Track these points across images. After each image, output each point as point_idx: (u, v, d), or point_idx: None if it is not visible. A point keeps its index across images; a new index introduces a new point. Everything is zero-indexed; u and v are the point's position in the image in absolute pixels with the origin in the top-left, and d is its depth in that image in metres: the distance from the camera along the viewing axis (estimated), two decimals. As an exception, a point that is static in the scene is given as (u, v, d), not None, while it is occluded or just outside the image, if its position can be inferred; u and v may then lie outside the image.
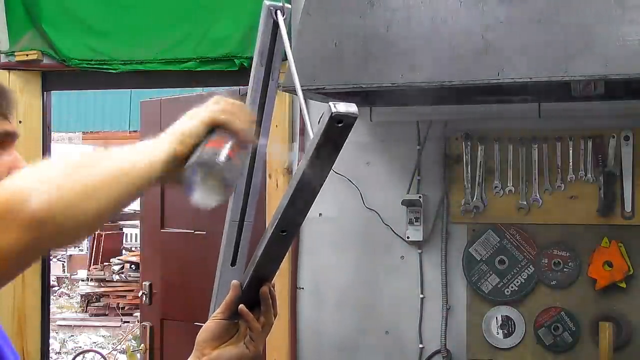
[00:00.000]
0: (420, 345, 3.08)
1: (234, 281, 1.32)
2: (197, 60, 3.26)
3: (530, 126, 2.93)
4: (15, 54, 3.40)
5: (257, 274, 1.27)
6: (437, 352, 3.06)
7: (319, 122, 1.09)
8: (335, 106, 1.07)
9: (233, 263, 1.42)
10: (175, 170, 1.15)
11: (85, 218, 1.05)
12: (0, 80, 3.51)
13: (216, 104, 1.22)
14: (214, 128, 1.18)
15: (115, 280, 11.01)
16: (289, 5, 1.39)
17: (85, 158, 1.10)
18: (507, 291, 2.98)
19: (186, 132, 1.18)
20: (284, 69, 2.81)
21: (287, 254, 1.29)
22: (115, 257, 11.71)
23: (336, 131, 1.10)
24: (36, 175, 1.04)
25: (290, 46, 1.36)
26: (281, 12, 1.36)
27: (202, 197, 1.15)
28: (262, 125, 1.36)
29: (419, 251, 3.09)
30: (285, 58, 1.39)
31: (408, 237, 3.07)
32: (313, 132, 1.15)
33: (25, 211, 1.00)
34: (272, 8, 1.35)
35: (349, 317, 3.17)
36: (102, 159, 1.09)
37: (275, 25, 1.37)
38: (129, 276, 10.76)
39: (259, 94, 1.36)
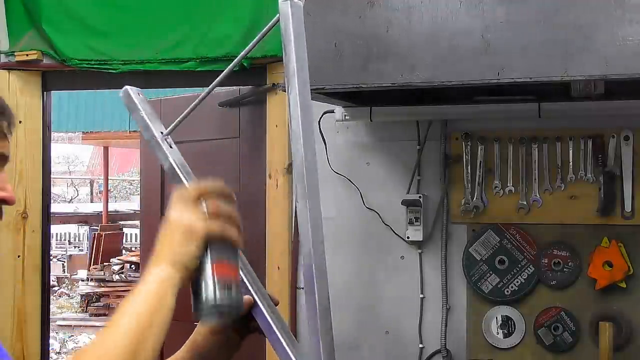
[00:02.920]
0: (420, 345, 3.08)
1: (247, 297, 1.30)
2: (197, 60, 3.26)
3: (530, 126, 2.93)
4: (15, 54, 3.40)
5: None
6: (437, 352, 3.06)
7: None
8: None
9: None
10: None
11: None
12: (2, 95, 3.52)
13: (196, 204, 1.19)
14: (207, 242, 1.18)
15: (115, 280, 11.02)
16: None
17: (107, 343, 1.13)
18: (507, 291, 2.98)
19: (187, 260, 1.17)
20: (283, 69, 2.82)
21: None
22: (115, 257, 11.71)
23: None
24: None
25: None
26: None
27: (212, 321, 1.22)
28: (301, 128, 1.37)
29: (419, 251, 3.09)
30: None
31: (408, 237, 3.07)
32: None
33: None
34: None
35: (349, 317, 3.17)
36: (121, 336, 1.12)
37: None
38: (129, 276, 10.77)
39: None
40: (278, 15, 1.28)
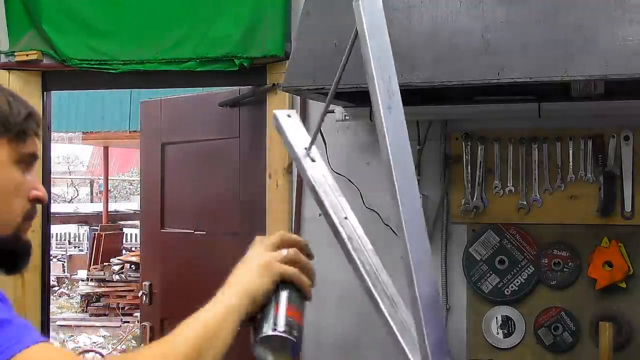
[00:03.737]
0: (420, 345, 3.08)
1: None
2: (197, 60, 3.26)
3: (530, 126, 2.93)
4: (15, 54, 3.40)
5: None
6: (437, 352, 3.06)
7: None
8: None
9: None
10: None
11: None
12: (14, 90, 3.52)
13: (275, 249, 1.27)
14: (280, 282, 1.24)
15: (115, 280, 11.02)
16: None
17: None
18: (507, 291, 2.98)
19: (257, 293, 1.23)
20: (283, 69, 2.82)
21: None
22: (115, 257, 11.71)
23: None
24: None
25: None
26: None
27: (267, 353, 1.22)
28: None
29: (419, 251, 3.09)
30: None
31: (408, 237, 3.07)
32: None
33: None
34: None
35: (349, 316, 3.17)
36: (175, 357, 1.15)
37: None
38: (129, 276, 10.77)
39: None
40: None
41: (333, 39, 2.43)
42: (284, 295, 1.23)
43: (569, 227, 2.93)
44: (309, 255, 1.32)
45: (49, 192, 3.63)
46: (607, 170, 2.85)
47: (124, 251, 12.92)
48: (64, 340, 9.96)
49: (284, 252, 1.28)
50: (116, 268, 11.20)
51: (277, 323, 1.20)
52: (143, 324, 4.05)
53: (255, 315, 1.23)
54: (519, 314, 2.98)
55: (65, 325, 10.58)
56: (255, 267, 1.25)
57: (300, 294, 1.26)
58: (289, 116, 1.40)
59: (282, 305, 1.22)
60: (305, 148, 1.39)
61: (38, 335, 1.14)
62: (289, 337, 1.20)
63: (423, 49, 2.38)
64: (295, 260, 1.28)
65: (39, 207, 3.79)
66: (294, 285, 1.25)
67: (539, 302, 2.96)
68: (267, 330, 1.20)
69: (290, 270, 1.26)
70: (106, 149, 15.91)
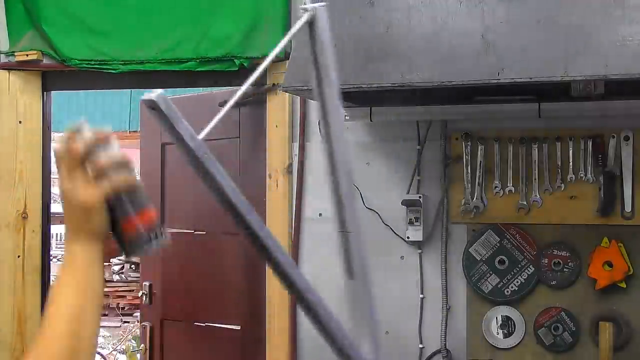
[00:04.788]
0: (420, 345, 3.08)
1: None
2: (197, 60, 3.26)
3: (530, 126, 2.93)
4: (15, 54, 3.40)
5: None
6: (437, 352, 3.06)
7: None
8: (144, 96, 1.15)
9: (350, 276, 1.38)
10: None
11: None
12: (1, 95, 3.52)
13: (71, 167, 1.12)
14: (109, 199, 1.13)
15: (115, 280, 11.02)
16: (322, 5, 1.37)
17: (47, 338, 1.11)
18: (507, 291, 2.98)
19: (98, 232, 1.14)
20: (283, 69, 2.81)
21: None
22: (115, 257, 11.70)
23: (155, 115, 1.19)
24: None
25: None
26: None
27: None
28: (331, 129, 1.33)
29: (419, 251, 3.09)
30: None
31: (408, 237, 3.07)
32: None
33: None
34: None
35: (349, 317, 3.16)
36: (82, 329, 1.11)
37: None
38: (129, 276, 10.77)
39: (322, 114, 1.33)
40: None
41: (333, 39, 2.43)
42: (123, 209, 1.13)
43: (569, 227, 2.93)
44: (105, 140, 1.15)
45: (49, 192, 3.64)
46: (607, 170, 2.85)
47: (124, 251, 12.90)
48: (64, 340, 9.95)
49: (90, 168, 1.12)
50: (116, 268, 11.20)
51: (135, 246, 1.14)
52: (143, 324, 4.05)
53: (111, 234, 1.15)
54: (519, 314, 2.98)
55: (65, 325, 10.56)
56: (79, 210, 1.12)
57: (133, 190, 1.14)
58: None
59: (123, 221, 1.14)
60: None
61: None
62: (153, 245, 1.14)
63: (423, 49, 2.38)
64: (104, 170, 1.12)
65: (38, 207, 3.76)
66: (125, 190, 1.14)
67: (539, 302, 2.96)
68: (138, 250, 1.14)
69: (109, 186, 1.12)
70: (106, 149, 15.90)
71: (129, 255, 1.16)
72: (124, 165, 1.14)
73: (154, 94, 1.17)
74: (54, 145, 1.17)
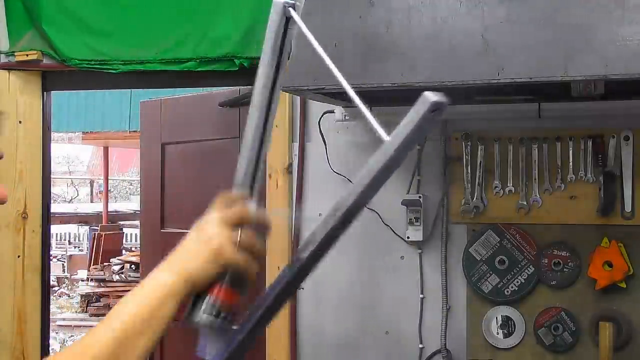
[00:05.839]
0: (420, 345, 3.08)
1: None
2: (197, 60, 3.26)
3: (530, 126, 2.93)
4: (15, 54, 3.39)
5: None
6: (437, 352, 3.06)
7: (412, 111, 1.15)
8: (430, 96, 1.12)
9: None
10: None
11: None
12: (2, 95, 3.52)
13: (231, 229, 1.15)
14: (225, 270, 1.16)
15: (115, 280, 11.02)
16: (300, 2, 1.38)
17: (110, 350, 1.09)
18: (507, 291, 2.98)
19: (197, 282, 1.14)
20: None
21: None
22: (115, 257, 11.71)
23: (429, 118, 1.13)
24: None
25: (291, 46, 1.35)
26: (293, 8, 1.34)
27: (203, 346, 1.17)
28: (265, 128, 1.34)
29: (419, 251, 3.09)
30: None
31: (408, 237, 3.07)
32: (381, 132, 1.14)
33: None
34: (286, 5, 1.33)
35: (349, 317, 3.17)
36: (128, 347, 1.09)
37: (286, 23, 1.34)
38: (129, 276, 10.77)
39: (267, 96, 1.33)
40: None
41: (333, 39, 2.43)
42: (226, 282, 1.16)
43: (569, 227, 2.93)
44: (266, 230, 1.20)
45: (49, 192, 3.64)
46: (607, 170, 2.85)
47: (124, 251, 12.91)
48: (64, 340, 9.96)
49: (242, 236, 1.16)
50: (116, 268, 11.20)
51: (206, 309, 1.15)
52: (143, 324, 4.04)
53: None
54: (519, 314, 2.98)
55: (65, 325, 10.58)
56: (206, 250, 1.14)
57: (243, 278, 1.18)
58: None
59: (220, 290, 1.16)
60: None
61: None
62: (213, 323, 1.15)
63: (423, 49, 2.38)
64: (250, 248, 1.17)
65: (38, 207, 3.77)
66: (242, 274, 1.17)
67: (539, 302, 2.96)
68: (199, 315, 1.15)
69: (241, 260, 1.15)
70: (106, 149, 15.92)
71: (189, 319, 1.16)
72: (259, 257, 1.18)
73: (436, 96, 1.13)
74: (229, 197, 1.21)
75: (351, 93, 1.24)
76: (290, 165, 3.21)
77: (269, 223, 1.21)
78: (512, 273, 2.98)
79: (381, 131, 1.18)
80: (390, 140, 1.17)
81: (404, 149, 1.16)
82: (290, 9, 1.32)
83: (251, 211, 1.19)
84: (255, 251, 1.17)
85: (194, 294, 1.16)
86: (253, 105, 1.27)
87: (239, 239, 1.16)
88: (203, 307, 1.15)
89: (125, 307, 1.13)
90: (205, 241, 1.15)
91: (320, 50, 1.30)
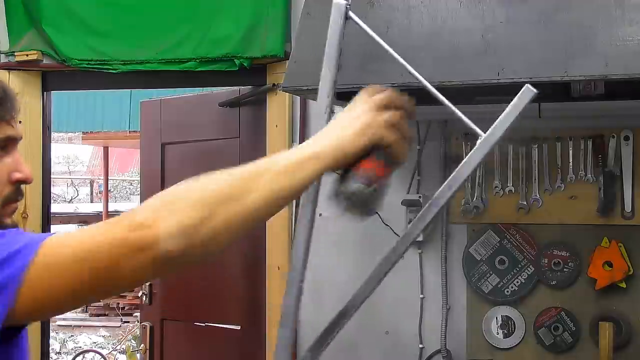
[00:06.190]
0: (420, 345, 3.08)
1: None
2: (197, 60, 3.26)
3: (530, 126, 2.93)
4: (15, 54, 3.40)
5: None
6: (437, 352, 3.06)
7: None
8: (532, 88, 1.30)
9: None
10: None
11: (224, 247, 1.11)
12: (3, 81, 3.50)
13: (380, 110, 1.20)
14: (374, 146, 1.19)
15: (115, 280, 11.00)
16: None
17: (235, 183, 1.11)
18: (507, 291, 2.98)
19: (347, 151, 1.18)
20: (283, 69, 2.81)
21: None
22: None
23: (526, 105, 1.31)
24: (174, 212, 1.06)
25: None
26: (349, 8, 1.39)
27: (341, 213, 1.23)
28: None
29: (419, 251, 3.09)
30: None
31: (408, 237, 3.06)
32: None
33: (158, 251, 1.04)
34: (347, 6, 1.38)
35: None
36: (250, 189, 1.10)
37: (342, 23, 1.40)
38: (129, 276, 10.75)
39: (330, 99, 1.37)
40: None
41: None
42: (375, 154, 1.20)
43: (569, 227, 2.93)
44: (411, 114, 1.27)
45: (49, 192, 3.64)
46: (607, 170, 2.85)
47: (124, 251, 12.89)
48: (64, 340, 9.97)
49: (389, 115, 1.22)
50: (116, 268, 11.18)
51: (358, 180, 1.19)
52: (143, 324, 4.05)
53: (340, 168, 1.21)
54: (519, 314, 2.98)
55: (65, 325, 10.58)
56: (356, 125, 1.19)
57: (391, 158, 1.23)
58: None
59: (371, 162, 1.20)
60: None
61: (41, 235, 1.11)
62: (366, 194, 1.20)
63: (423, 49, 2.38)
64: (397, 127, 1.22)
65: (38, 207, 3.77)
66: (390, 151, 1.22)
67: (539, 302, 2.96)
68: (346, 185, 1.19)
69: (392, 137, 1.21)
70: (106, 149, 15.91)
71: (342, 185, 1.20)
72: (407, 139, 1.24)
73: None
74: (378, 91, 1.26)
75: (434, 91, 1.30)
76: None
77: (414, 108, 1.27)
78: (512, 273, 2.98)
79: (475, 127, 1.35)
80: (488, 135, 1.34)
81: (504, 138, 1.32)
82: (350, 10, 1.37)
83: (397, 96, 1.25)
84: (403, 131, 1.23)
85: (344, 167, 1.19)
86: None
87: (388, 118, 1.21)
88: (355, 177, 1.19)
89: (261, 160, 1.16)
90: (356, 117, 1.20)
91: (388, 48, 1.35)
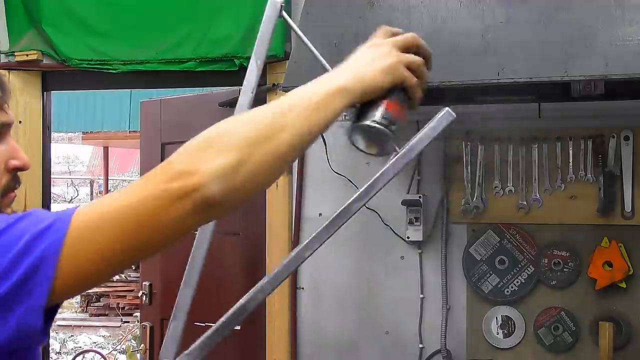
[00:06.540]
0: (420, 345, 3.08)
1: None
2: (197, 60, 3.26)
3: (530, 126, 2.93)
4: (15, 54, 3.40)
5: None
6: (437, 352, 3.06)
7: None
8: (452, 112, 1.34)
9: None
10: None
11: (261, 188, 1.12)
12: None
13: (402, 49, 1.22)
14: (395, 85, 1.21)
15: (115, 280, 11.01)
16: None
17: (267, 121, 1.11)
18: (507, 291, 2.98)
19: (372, 87, 1.19)
20: (283, 69, 2.81)
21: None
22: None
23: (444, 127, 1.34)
24: (212, 156, 1.05)
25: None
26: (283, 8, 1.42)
27: (360, 146, 1.24)
28: None
29: (419, 251, 3.09)
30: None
31: (408, 237, 3.07)
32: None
33: (199, 197, 1.03)
34: (281, 4, 1.41)
35: (349, 317, 3.17)
36: (283, 127, 1.10)
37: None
38: (129, 276, 10.76)
39: (253, 95, 1.39)
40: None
41: (333, 39, 2.43)
42: (395, 94, 1.22)
43: (569, 227, 2.93)
44: (429, 59, 1.28)
45: (49, 192, 3.64)
46: (607, 170, 2.85)
47: (124, 251, 12.90)
48: (64, 340, 9.97)
49: (413, 58, 1.23)
50: (116, 268, 11.18)
51: (380, 116, 1.20)
52: (143, 324, 4.05)
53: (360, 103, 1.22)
54: (519, 314, 2.98)
55: (65, 325, 10.58)
56: (380, 63, 1.20)
57: (409, 100, 1.25)
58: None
59: (391, 102, 1.21)
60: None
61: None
62: (387, 130, 1.21)
63: (423, 49, 2.38)
64: (416, 69, 1.23)
65: (38, 207, 3.77)
66: (407, 91, 1.24)
67: (539, 302, 2.96)
68: (368, 119, 1.20)
69: (413, 80, 1.22)
70: (106, 149, 15.91)
71: (363, 119, 1.21)
72: (425, 82, 1.26)
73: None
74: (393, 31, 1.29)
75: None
76: (290, 165, 3.21)
77: (430, 52, 1.28)
78: (512, 273, 2.98)
79: (392, 144, 1.29)
80: (405, 151, 1.31)
81: (414, 159, 1.29)
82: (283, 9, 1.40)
83: (418, 40, 1.26)
84: (422, 74, 1.24)
85: (362, 102, 1.21)
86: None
87: (413, 61, 1.23)
88: (374, 114, 1.20)
89: (287, 96, 1.15)
90: (380, 56, 1.21)
91: (314, 50, 1.35)
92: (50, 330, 1.17)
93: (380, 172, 1.29)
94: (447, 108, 1.31)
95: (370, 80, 1.18)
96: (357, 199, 1.29)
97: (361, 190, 1.29)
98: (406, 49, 1.24)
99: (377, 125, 1.20)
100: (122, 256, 1.05)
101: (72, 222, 1.04)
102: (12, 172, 1.27)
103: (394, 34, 1.26)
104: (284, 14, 1.39)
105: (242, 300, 1.29)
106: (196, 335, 1.35)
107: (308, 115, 1.13)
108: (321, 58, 1.34)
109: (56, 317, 1.10)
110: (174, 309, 1.50)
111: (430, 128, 1.33)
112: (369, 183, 1.29)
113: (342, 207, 1.29)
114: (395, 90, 1.22)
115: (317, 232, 1.29)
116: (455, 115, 1.32)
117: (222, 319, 1.31)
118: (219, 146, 1.06)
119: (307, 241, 1.30)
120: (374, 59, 1.20)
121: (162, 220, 1.03)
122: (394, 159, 1.28)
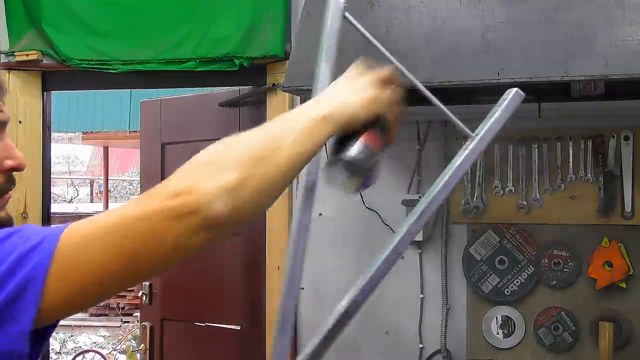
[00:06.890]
0: (420, 345, 3.08)
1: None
2: (197, 60, 3.26)
3: (530, 126, 2.93)
4: (15, 54, 3.39)
5: None
6: (437, 352, 3.06)
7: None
8: (521, 91, 1.34)
9: None
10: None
11: (262, 209, 1.11)
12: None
13: (384, 86, 1.23)
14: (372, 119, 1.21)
15: (115, 280, 11.01)
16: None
17: (263, 141, 1.12)
18: (507, 291, 2.98)
19: (353, 118, 1.18)
20: (283, 69, 2.81)
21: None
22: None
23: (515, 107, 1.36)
24: (214, 175, 1.04)
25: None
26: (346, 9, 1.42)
27: (338, 185, 1.25)
28: None
29: (419, 251, 3.09)
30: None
31: (408, 237, 3.06)
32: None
33: (202, 216, 1.01)
34: (345, 5, 1.41)
35: (349, 317, 3.16)
36: (279, 149, 1.10)
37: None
38: (129, 276, 10.76)
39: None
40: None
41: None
42: (374, 127, 1.22)
43: (569, 227, 2.93)
44: (404, 94, 1.29)
45: (49, 192, 3.64)
46: (607, 170, 2.85)
47: (124, 251, 12.90)
48: (64, 340, 9.97)
49: (392, 93, 1.24)
50: (116, 268, 11.18)
51: (362, 149, 1.20)
52: (143, 324, 4.05)
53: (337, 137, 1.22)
54: (519, 314, 2.98)
55: (65, 325, 10.57)
56: (365, 96, 1.19)
57: (386, 135, 1.25)
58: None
59: (370, 136, 1.21)
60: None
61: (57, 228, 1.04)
62: (369, 163, 1.21)
63: (423, 49, 2.38)
64: (396, 105, 1.24)
65: (38, 207, 3.76)
66: (384, 126, 1.24)
67: (539, 302, 2.96)
68: (352, 152, 1.20)
69: (391, 116, 1.23)
70: (106, 149, 15.92)
71: (342, 153, 1.20)
72: (402, 116, 1.26)
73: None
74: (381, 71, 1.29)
75: (425, 92, 1.35)
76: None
77: (406, 89, 1.29)
78: (512, 273, 2.98)
79: (465, 128, 1.35)
80: (482, 135, 1.36)
81: (491, 142, 1.35)
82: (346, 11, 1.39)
83: (397, 75, 1.28)
84: (399, 109, 1.25)
85: (341, 135, 1.20)
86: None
87: (392, 96, 1.24)
88: (354, 146, 1.20)
89: (276, 121, 1.15)
90: (362, 89, 1.21)
91: (381, 47, 1.35)
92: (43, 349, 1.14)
93: (459, 160, 1.33)
94: (515, 88, 1.32)
95: (352, 110, 1.18)
96: (441, 190, 1.32)
97: (443, 181, 1.28)
98: (384, 83, 1.24)
99: (358, 158, 1.20)
100: (116, 276, 1.00)
101: (62, 239, 0.99)
102: (7, 173, 1.22)
103: (370, 66, 1.26)
104: (347, 14, 1.39)
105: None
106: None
107: (301, 141, 1.12)
108: (390, 56, 1.34)
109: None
110: (278, 324, 1.34)
111: (503, 110, 1.36)
112: (449, 173, 1.31)
113: (428, 200, 1.34)
114: (374, 124, 1.22)
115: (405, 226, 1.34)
116: (524, 94, 1.33)
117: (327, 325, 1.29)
118: (221, 165, 1.06)
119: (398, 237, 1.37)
120: (357, 91, 1.20)
121: (160, 239, 0.99)
122: (472, 145, 1.32)
